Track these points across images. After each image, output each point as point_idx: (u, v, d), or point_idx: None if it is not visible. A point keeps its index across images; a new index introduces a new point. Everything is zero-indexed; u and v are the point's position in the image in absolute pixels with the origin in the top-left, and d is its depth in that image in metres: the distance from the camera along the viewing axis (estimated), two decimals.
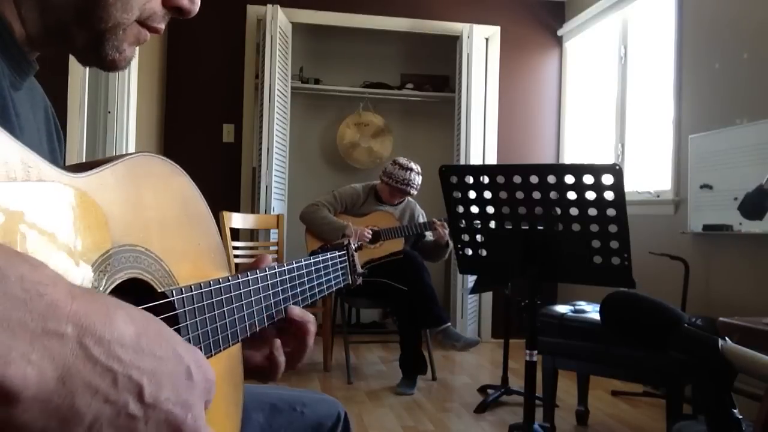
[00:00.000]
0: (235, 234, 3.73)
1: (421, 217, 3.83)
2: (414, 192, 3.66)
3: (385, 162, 3.80)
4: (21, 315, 0.33)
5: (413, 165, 3.66)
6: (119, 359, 0.37)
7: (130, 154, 0.58)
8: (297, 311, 0.79)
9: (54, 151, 0.75)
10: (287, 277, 0.80)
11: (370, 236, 3.54)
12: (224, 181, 4.42)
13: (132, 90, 3.49)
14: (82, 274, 0.47)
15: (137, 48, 0.68)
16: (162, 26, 0.67)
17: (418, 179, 3.65)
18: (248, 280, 0.70)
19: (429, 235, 3.72)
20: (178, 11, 0.67)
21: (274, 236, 3.91)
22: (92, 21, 0.62)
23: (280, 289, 0.78)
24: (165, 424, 0.39)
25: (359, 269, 1.07)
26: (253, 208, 4.37)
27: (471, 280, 3.85)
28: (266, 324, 0.74)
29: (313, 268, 0.89)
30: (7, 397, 0.32)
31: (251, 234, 4.17)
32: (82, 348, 0.35)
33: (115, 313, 0.38)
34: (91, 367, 0.36)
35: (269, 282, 0.75)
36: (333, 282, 0.97)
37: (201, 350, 0.61)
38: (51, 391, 0.34)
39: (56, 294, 0.35)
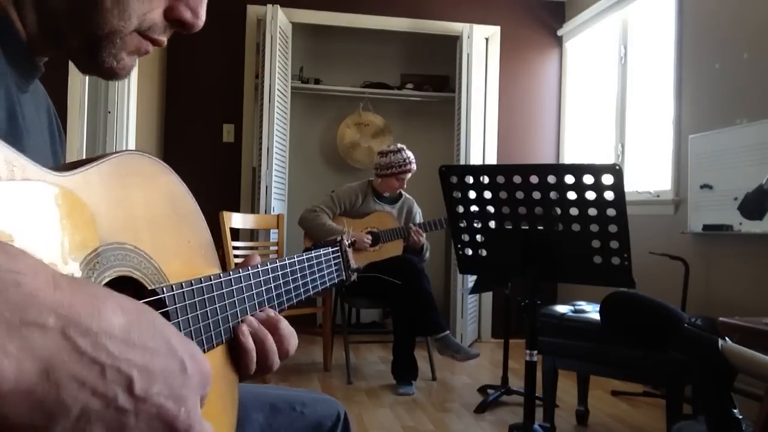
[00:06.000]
0: (235, 234, 3.72)
1: (419, 216, 3.84)
2: (414, 167, 3.68)
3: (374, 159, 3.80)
4: None
5: (398, 145, 3.72)
6: (107, 351, 0.36)
7: (117, 152, 0.57)
8: (244, 330, 0.69)
9: (56, 153, 0.75)
10: (280, 273, 0.80)
11: (369, 241, 3.54)
12: (224, 181, 4.42)
13: (132, 90, 3.49)
14: (69, 273, 0.47)
15: (137, 58, 0.67)
16: (164, 39, 0.66)
17: (410, 153, 3.68)
18: (240, 276, 0.70)
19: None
20: (181, 25, 0.66)
21: (274, 236, 3.91)
22: (88, 26, 0.61)
23: (273, 285, 0.77)
24: (157, 419, 0.38)
25: (353, 265, 1.06)
26: (253, 208, 4.37)
27: (471, 280, 3.84)
28: None
29: (306, 264, 0.88)
30: None
31: (251, 234, 4.17)
32: (66, 339, 0.34)
33: (104, 302, 0.37)
34: (77, 358, 0.35)
35: (261, 278, 0.75)
36: (327, 278, 0.96)
37: None
38: (33, 384, 0.33)
39: (36, 283, 0.34)
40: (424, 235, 3.62)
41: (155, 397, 0.38)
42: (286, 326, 0.74)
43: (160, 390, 0.38)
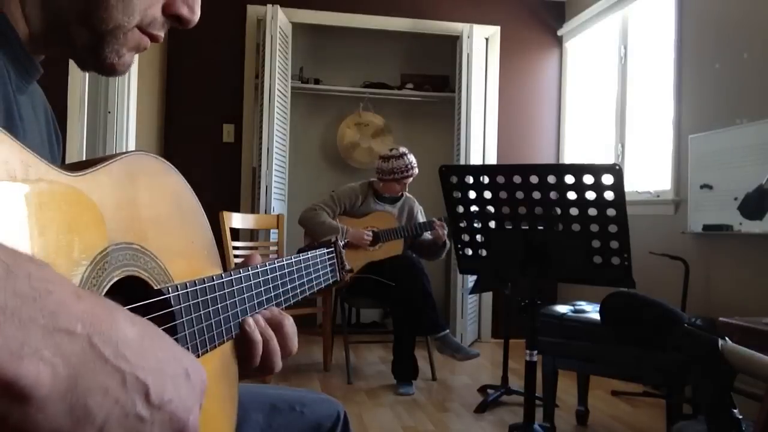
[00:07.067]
0: (235, 234, 3.72)
1: (420, 215, 3.83)
2: (416, 171, 3.69)
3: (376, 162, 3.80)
4: (31, 311, 0.33)
5: (400, 149, 3.70)
6: (126, 359, 0.37)
7: (125, 152, 0.58)
8: (251, 323, 0.70)
9: (54, 155, 0.75)
10: (278, 273, 0.81)
11: (370, 239, 3.54)
12: (224, 181, 4.42)
13: (132, 90, 3.49)
14: (80, 273, 0.47)
15: (136, 54, 0.68)
16: (161, 34, 0.68)
17: (412, 158, 3.69)
18: (241, 277, 0.71)
19: (427, 234, 3.71)
20: (178, 20, 0.68)
21: (274, 236, 3.91)
22: (93, 21, 0.62)
23: (272, 285, 0.78)
24: (169, 427, 0.39)
25: (347, 266, 1.07)
26: (253, 208, 4.37)
27: (471, 280, 3.84)
28: None
29: (302, 265, 0.89)
30: (20, 395, 0.32)
31: (251, 234, 4.17)
32: (92, 347, 0.35)
33: (118, 314, 0.38)
34: (101, 366, 0.35)
35: (261, 279, 0.76)
36: (322, 279, 0.97)
37: (197, 347, 0.61)
38: (64, 389, 0.33)
39: (63, 293, 0.35)
40: (447, 230, 3.59)
41: (168, 404, 0.39)
42: (290, 324, 0.75)
43: (171, 398, 0.39)
